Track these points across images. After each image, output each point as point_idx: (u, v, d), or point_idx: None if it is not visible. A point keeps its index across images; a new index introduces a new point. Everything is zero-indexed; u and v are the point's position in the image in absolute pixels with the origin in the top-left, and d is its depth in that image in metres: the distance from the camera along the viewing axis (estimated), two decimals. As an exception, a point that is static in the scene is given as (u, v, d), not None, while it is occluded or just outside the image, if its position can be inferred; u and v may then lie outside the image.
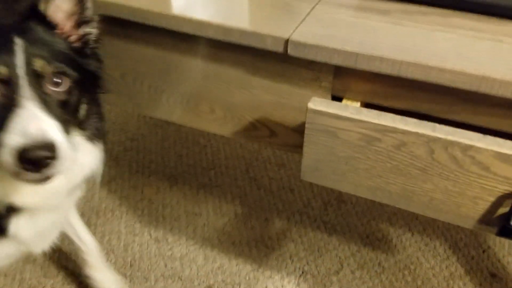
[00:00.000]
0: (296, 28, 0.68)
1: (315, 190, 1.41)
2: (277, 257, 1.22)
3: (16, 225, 0.68)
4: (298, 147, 0.81)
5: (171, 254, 1.24)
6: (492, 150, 0.58)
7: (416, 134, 0.61)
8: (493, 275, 1.16)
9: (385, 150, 0.65)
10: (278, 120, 0.79)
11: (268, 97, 0.77)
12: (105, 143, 0.70)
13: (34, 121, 0.53)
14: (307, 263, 1.20)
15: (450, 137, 0.59)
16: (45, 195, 0.64)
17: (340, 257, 1.21)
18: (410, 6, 0.71)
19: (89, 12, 0.66)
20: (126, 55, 0.84)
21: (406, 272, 1.17)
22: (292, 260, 1.21)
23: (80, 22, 0.66)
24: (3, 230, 0.68)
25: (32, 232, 0.70)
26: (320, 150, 0.69)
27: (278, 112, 0.78)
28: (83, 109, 0.65)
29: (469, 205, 0.64)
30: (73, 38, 0.66)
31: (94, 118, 0.68)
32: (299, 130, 0.79)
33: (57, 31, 0.63)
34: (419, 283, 1.15)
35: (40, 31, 0.61)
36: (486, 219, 0.64)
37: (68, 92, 0.60)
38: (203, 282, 1.16)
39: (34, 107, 0.54)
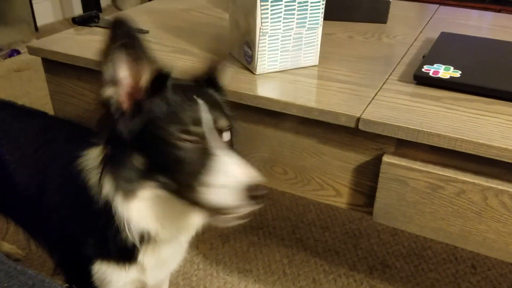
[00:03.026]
0: (365, 109, 0.85)
1: (359, 254, 1.50)
2: (326, 316, 1.29)
3: (143, 253, 0.81)
4: (359, 206, 0.95)
5: (225, 307, 1.32)
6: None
7: (473, 183, 0.76)
8: None
9: (448, 196, 0.80)
10: (343, 182, 0.94)
11: (336, 162, 0.93)
12: None
13: (243, 166, 0.64)
14: (356, 323, 1.26)
15: (500, 186, 0.75)
16: (181, 229, 0.78)
17: (387, 319, 1.27)
18: (458, 94, 0.88)
19: None
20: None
21: (452, 337, 1.22)
22: (341, 319, 1.27)
23: None
24: (134, 258, 0.81)
25: (154, 262, 0.83)
26: (392, 195, 0.84)
27: (344, 175, 0.93)
28: None
29: (517, 244, 0.77)
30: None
31: None
32: (362, 191, 0.92)
33: (222, 93, 0.78)
34: None
35: (214, 94, 0.76)
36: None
37: (230, 142, 0.73)
38: (258, 335, 1.23)
39: (229, 155, 0.66)
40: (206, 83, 0.77)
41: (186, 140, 0.67)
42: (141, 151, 0.69)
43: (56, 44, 1.15)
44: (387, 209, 0.87)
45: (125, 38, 0.67)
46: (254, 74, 0.99)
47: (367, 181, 0.91)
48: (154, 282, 0.89)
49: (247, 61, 1.00)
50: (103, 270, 0.81)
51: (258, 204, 0.64)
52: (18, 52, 2.92)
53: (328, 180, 0.95)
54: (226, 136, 0.72)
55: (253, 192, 0.62)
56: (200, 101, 0.71)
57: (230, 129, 0.73)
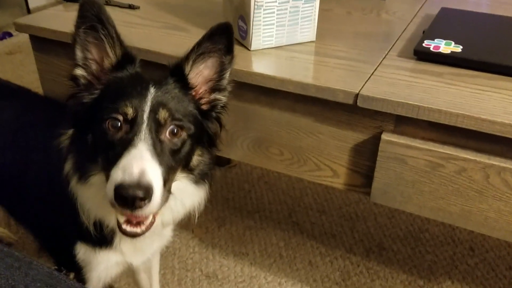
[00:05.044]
0: (364, 85, 0.82)
1: (356, 236, 1.49)
2: (322, 298, 1.28)
3: (119, 238, 0.78)
4: (357, 187, 0.92)
5: (221, 290, 1.31)
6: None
7: (474, 161, 0.74)
8: (536, 326, 1.19)
9: (448, 175, 0.77)
10: (340, 162, 0.91)
11: (333, 141, 0.90)
12: (210, 186, 0.79)
13: (139, 162, 0.59)
14: (352, 305, 1.25)
15: (502, 164, 0.72)
16: None
17: (383, 301, 1.26)
18: (459, 70, 0.85)
19: (225, 82, 0.74)
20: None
21: (449, 319, 1.21)
22: (338, 302, 1.26)
23: (214, 89, 0.74)
24: (110, 242, 0.79)
25: (132, 246, 0.81)
26: (390, 175, 0.82)
27: (341, 155, 0.90)
28: (195, 159, 0.72)
29: (519, 222, 0.75)
30: (203, 100, 0.73)
31: (203, 165, 0.75)
32: (360, 171, 0.90)
33: (191, 91, 0.71)
34: (463, 329, 1.18)
35: (175, 86, 0.70)
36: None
37: (182, 143, 0.67)
38: (254, 317, 1.22)
39: (144, 149, 0.60)
40: (172, 75, 0.71)
41: (113, 124, 0.64)
42: (91, 130, 0.68)
43: (44, 20, 1.10)
44: (385, 189, 0.85)
45: (93, 20, 0.66)
46: (249, 50, 0.95)
47: (365, 160, 0.88)
48: (138, 264, 0.87)
49: (241, 37, 0.96)
50: (83, 251, 0.79)
51: (135, 209, 0.58)
52: (10, 35, 2.86)
53: (325, 160, 0.93)
54: (175, 133, 0.66)
55: (123, 191, 0.57)
56: (152, 91, 0.67)
57: (182, 127, 0.67)
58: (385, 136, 0.81)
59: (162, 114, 0.65)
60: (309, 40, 0.99)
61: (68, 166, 0.72)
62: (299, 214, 1.58)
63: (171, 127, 0.66)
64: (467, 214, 0.80)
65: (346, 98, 0.81)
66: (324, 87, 0.83)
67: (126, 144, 0.61)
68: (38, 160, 0.85)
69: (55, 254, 0.88)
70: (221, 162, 1.76)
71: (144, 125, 0.63)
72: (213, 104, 0.75)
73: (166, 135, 0.66)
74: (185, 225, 1.53)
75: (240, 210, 1.60)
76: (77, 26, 0.67)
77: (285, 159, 0.97)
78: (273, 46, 0.96)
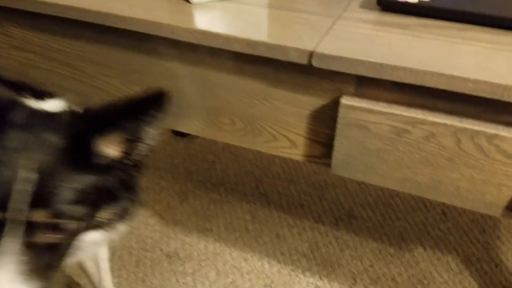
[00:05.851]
0: (320, 41, 0.70)
1: (325, 205, 1.42)
2: (289, 272, 1.22)
3: None
4: (317, 157, 0.83)
5: (183, 269, 1.23)
6: (516, 141, 0.61)
7: (445, 125, 0.65)
8: (507, 289, 1.17)
9: (415, 141, 0.68)
10: (298, 131, 0.81)
11: (289, 108, 0.79)
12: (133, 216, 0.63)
13: None
14: (320, 278, 1.20)
15: (476, 127, 0.63)
16: None
17: (353, 272, 1.21)
18: (427, 20, 0.74)
19: (147, 136, 0.56)
20: (149, 70, 0.87)
21: (419, 287, 1.17)
22: (305, 275, 1.21)
23: (130, 140, 0.56)
24: None
25: None
26: (351, 144, 0.72)
27: (298, 123, 0.80)
28: (102, 216, 0.56)
29: (494, 192, 0.67)
30: (112, 149, 0.56)
31: (117, 215, 0.59)
32: (319, 140, 0.80)
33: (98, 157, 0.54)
34: (433, 297, 1.15)
35: (68, 160, 0.51)
36: (511, 206, 0.67)
37: (70, 235, 0.52)
38: (217, 297, 1.15)
39: (10, 276, 0.46)
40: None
41: None
42: None
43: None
44: (346, 159, 0.75)
45: None
46: (189, 3, 0.82)
47: (324, 128, 0.78)
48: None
49: (179, -12, 0.82)
50: None
51: None
52: None
53: (280, 129, 0.82)
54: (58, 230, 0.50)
55: None
56: (31, 175, 0.48)
57: (70, 219, 0.50)
58: (344, 100, 0.70)
59: (39, 215, 0.48)
60: (261, -9, 0.86)
61: None
62: (266, 185, 1.50)
63: (53, 224, 0.50)
64: (436, 184, 0.72)
65: (299, 57, 0.70)
66: (275, 44, 0.71)
67: None
68: None
69: None
70: (182, 132, 1.64)
71: (14, 229, 0.48)
72: (128, 152, 0.58)
73: (45, 233, 0.50)
74: (144, 201, 1.43)
75: (204, 183, 1.51)
76: None
77: (237, 129, 0.86)
78: (218, -2, 0.83)
